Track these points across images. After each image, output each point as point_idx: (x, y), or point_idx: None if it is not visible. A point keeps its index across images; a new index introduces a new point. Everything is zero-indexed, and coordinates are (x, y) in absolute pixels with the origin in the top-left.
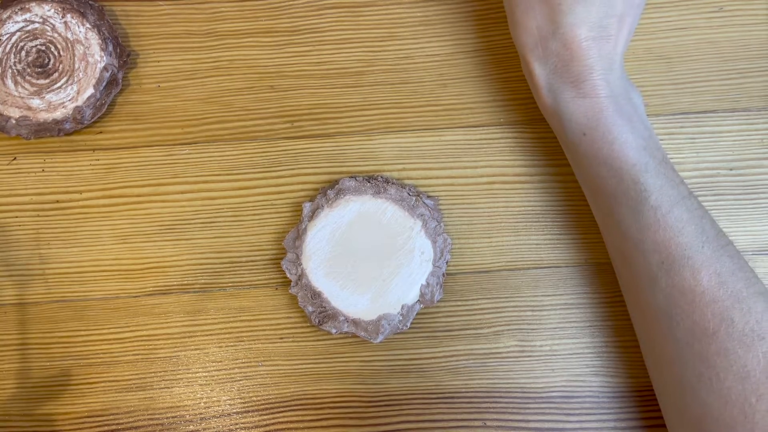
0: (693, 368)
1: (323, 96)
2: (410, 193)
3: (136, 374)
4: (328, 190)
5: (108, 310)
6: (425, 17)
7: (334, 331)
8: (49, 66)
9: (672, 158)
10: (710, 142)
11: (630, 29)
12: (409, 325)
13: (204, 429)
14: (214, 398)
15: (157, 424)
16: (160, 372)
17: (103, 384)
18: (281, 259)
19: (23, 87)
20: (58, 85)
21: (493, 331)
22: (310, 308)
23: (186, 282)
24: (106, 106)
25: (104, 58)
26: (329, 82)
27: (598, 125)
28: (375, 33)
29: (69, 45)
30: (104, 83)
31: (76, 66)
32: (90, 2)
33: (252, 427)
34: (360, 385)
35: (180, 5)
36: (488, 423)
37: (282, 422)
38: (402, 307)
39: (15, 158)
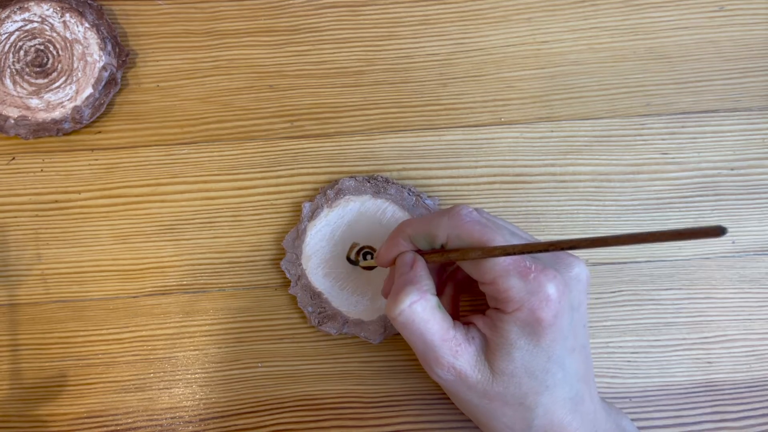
0: None
1: (323, 95)
2: (410, 193)
3: (135, 375)
4: (327, 190)
5: (107, 311)
6: (425, 16)
7: (333, 331)
8: (48, 65)
9: (673, 158)
10: (712, 142)
11: (591, 365)
12: None
13: (203, 430)
14: (214, 399)
15: (156, 425)
16: (159, 372)
17: (101, 384)
18: (281, 259)
19: (22, 86)
20: (57, 84)
21: None
22: (310, 309)
23: (185, 282)
24: (104, 106)
25: (103, 57)
26: (329, 81)
27: None
28: (375, 32)
29: (68, 44)
30: (103, 83)
31: (75, 65)
32: (89, 2)
33: (251, 428)
34: (360, 386)
35: (179, 4)
36: None
37: (282, 423)
38: None
39: (14, 158)
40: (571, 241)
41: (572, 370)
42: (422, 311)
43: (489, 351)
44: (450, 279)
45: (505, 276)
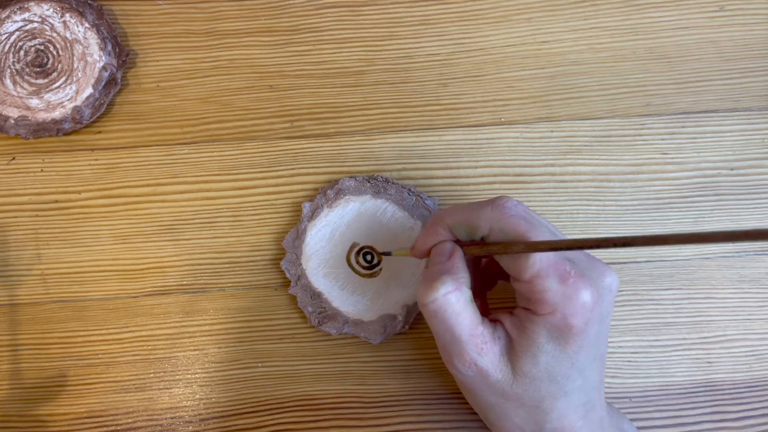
0: None
1: (323, 95)
2: (410, 193)
3: (135, 375)
4: (327, 190)
5: (107, 311)
6: (425, 16)
7: (333, 331)
8: (48, 65)
9: (673, 158)
10: (711, 142)
11: (604, 373)
12: (409, 325)
13: (203, 430)
14: (214, 399)
15: (156, 425)
16: (159, 372)
17: (101, 384)
18: (281, 259)
19: (22, 87)
20: (57, 84)
21: None
22: (310, 309)
23: (185, 282)
24: (104, 106)
25: (103, 57)
26: (329, 81)
27: None
28: (375, 32)
29: (68, 44)
30: (103, 83)
31: (75, 65)
32: (89, 2)
33: (251, 428)
34: (360, 386)
35: (179, 4)
36: None
37: (281, 423)
38: (402, 308)
39: (14, 158)
40: (626, 238)
41: (590, 378)
42: (456, 302)
43: (513, 352)
44: (481, 274)
45: (544, 276)
